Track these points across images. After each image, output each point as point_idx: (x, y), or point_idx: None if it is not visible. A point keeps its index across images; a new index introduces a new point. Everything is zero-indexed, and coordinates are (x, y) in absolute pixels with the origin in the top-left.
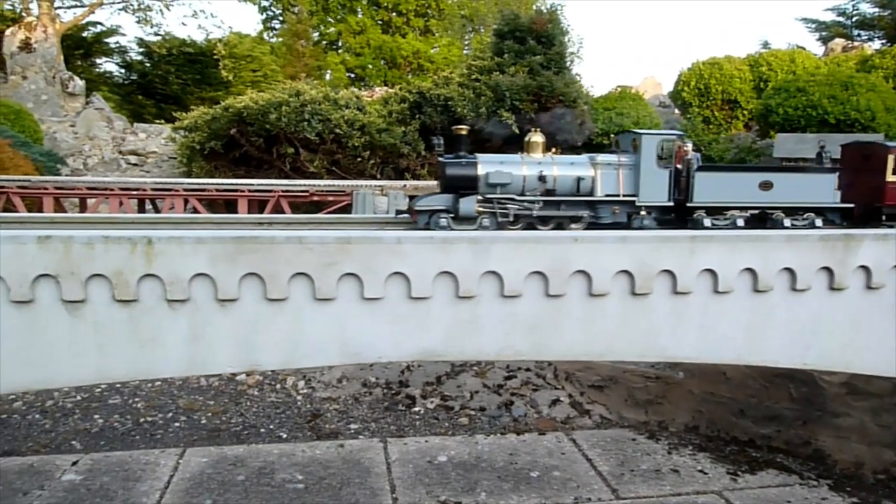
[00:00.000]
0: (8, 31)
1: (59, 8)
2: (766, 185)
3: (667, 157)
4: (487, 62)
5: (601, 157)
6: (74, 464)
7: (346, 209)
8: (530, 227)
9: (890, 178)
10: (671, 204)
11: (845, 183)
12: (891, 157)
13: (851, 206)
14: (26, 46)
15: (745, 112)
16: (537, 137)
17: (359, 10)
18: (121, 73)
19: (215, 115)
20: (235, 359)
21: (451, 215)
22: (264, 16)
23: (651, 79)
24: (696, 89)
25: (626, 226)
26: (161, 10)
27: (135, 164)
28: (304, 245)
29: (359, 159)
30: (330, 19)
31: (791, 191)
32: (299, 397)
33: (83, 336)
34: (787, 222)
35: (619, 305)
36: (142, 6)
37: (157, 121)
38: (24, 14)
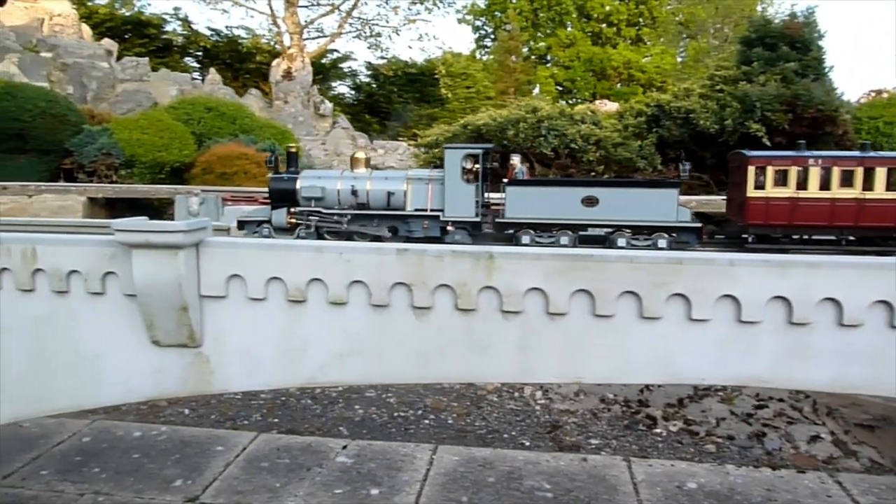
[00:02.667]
0: (274, 63)
1: (306, 39)
2: (589, 201)
3: (468, 170)
4: (733, 71)
5: (412, 172)
6: (344, 448)
7: None
8: (349, 238)
9: (751, 192)
10: (478, 219)
11: (727, 199)
12: (751, 169)
13: (699, 225)
14: (288, 75)
15: None
16: (360, 154)
17: (568, 23)
18: (351, 94)
19: (455, 133)
20: (560, 370)
21: (272, 226)
22: (477, 35)
23: None
24: None
25: (440, 240)
26: (390, 36)
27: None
28: (634, 264)
29: (592, 174)
30: (539, 34)
31: (620, 207)
32: (537, 407)
33: (427, 339)
34: (621, 241)
35: None
36: (373, 33)
37: (382, 137)
38: (276, 46)
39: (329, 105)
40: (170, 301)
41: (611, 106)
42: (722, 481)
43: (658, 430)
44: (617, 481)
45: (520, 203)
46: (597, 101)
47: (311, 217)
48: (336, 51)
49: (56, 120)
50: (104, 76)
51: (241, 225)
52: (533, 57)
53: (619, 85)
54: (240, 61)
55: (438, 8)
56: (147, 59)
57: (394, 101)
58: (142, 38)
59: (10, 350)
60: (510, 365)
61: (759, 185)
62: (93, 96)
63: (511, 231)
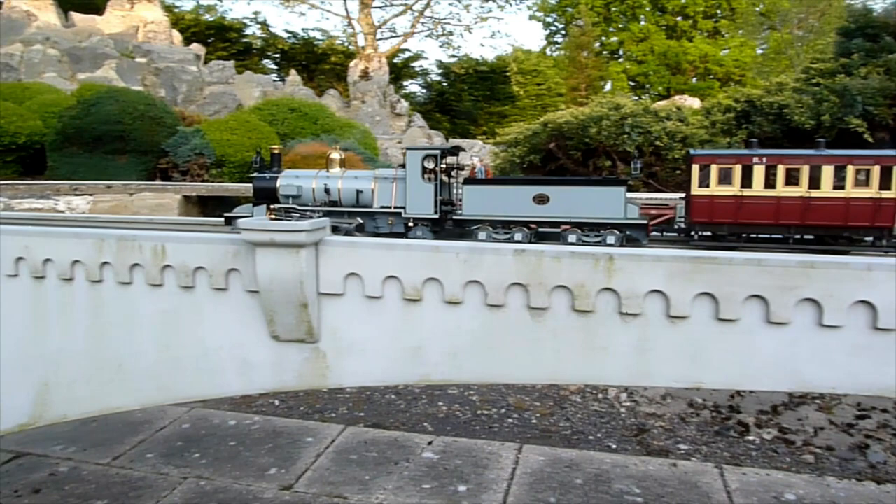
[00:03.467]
0: (351, 63)
1: (379, 39)
2: (541, 199)
3: (428, 169)
4: (830, 63)
5: (380, 172)
6: (430, 443)
7: (671, 222)
8: (337, 232)
9: (695, 190)
10: (437, 216)
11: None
12: (695, 168)
13: (645, 222)
14: (365, 75)
15: None
16: (335, 155)
17: (642, 17)
18: (422, 93)
19: (536, 131)
20: (679, 374)
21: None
22: (548, 31)
23: None
24: None
25: (403, 236)
26: (462, 34)
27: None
28: (762, 267)
29: (677, 171)
30: (612, 29)
31: (570, 205)
32: (622, 409)
33: (542, 340)
34: (571, 238)
35: None
36: (445, 32)
37: (451, 135)
38: (350, 47)
39: (405, 104)
40: (290, 298)
41: (691, 101)
42: (823, 494)
43: (751, 438)
44: (710, 489)
45: (476, 201)
46: (676, 97)
47: (288, 213)
48: (408, 50)
49: (154, 122)
50: (193, 79)
51: (228, 221)
52: (605, 52)
53: (694, 79)
54: (315, 63)
55: (511, 5)
56: (232, 62)
57: (464, 98)
58: (224, 41)
59: (140, 341)
60: (627, 368)
61: (704, 184)
62: (182, 99)
63: (469, 227)
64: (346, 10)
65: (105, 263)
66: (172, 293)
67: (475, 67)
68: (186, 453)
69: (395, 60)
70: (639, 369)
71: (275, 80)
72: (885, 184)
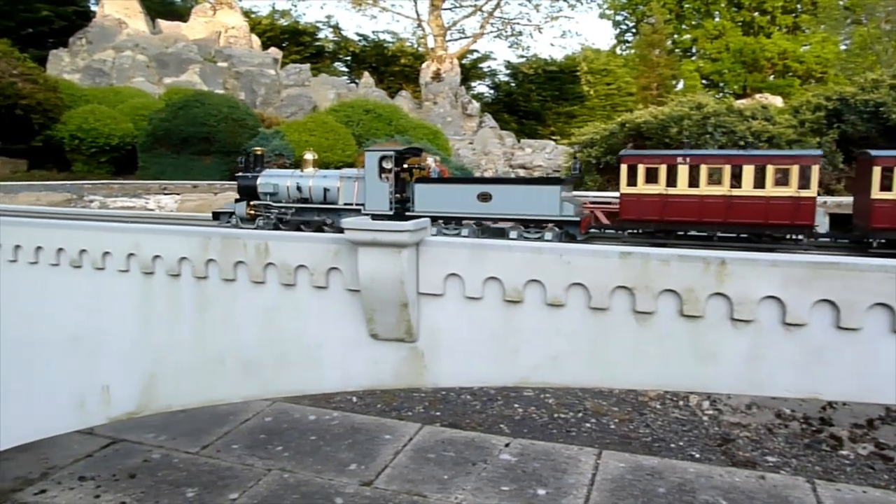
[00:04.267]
0: (423, 65)
1: (449, 41)
2: (484, 197)
3: (386, 168)
4: None
5: (344, 172)
6: (507, 445)
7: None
8: (297, 228)
9: (624, 189)
10: (391, 213)
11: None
12: (623, 167)
13: (578, 219)
14: (437, 76)
15: None
16: (308, 156)
17: (716, 13)
18: (490, 93)
19: (613, 131)
20: (795, 384)
21: (237, 217)
22: (618, 30)
23: None
24: None
25: None
26: (531, 34)
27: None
28: (889, 273)
29: None
30: (685, 26)
31: (510, 203)
32: (705, 418)
33: (647, 344)
34: (512, 234)
35: None
36: (514, 32)
37: (519, 135)
38: (420, 49)
39: (476, 105)
40: (391, 297)
41: (772, 99)
42: None
43: (844, 452)
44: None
45: (426, 199)
46: (757, 95)
47: (266, 209)
48: (476, 51)
49: (236, 124)
50: (271, 82)
51: (216, 216)
52: (677, 50)
53: (772, 77)
54: (385, 64)
55: (581, 4)
56: (308, 65)
57: (532, 99)
58: (297, 45)
59: (242, 336)
60: (737, 376)
61: (632, 183)
62: (261, 101)
63: None
64: (417, 12)
65: (210, 261)
66: (274, 290)
67: (544, 67)
68: (269, 446)
69: (464, 61)
70: (750, 377)
71: (349, 83)
72: (803, 183)
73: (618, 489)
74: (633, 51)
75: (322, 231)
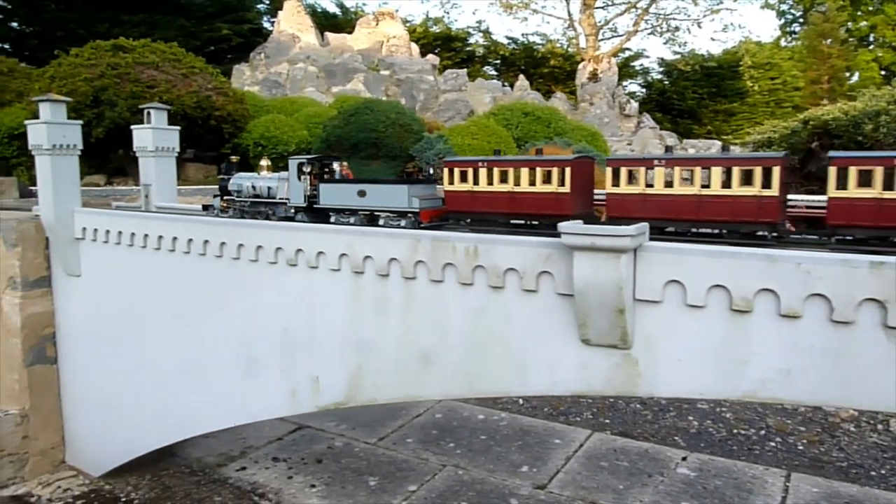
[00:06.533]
0: (580, 66)
1: (600, 40)
2: (361, 193)
3: (305, 172)
4: None
5: (282, 174)
6: (684, 459)
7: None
8: (252, 217)
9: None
10: (304, 206)
11: None
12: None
13: (417, 210)
14: (594, 77)
15: None
16: (263, 163)
17: None
18: (641, 92)
19: (794, 129)
20: None
21: (217, 209)
22: (782, 20)
23: None
24: None
25: (291, 219)
26: (689, 29)
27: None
28: None
29: None
30: (860, 13)
31: (378, 198)
32: None
33: None
34: (381, 221)
35: None
36: (671, 28)
37: (676, 135)
38: (570, 50)
39: (635, 105)
40: (607, 303)
41: None
42: None
43: None
44: None
45: (327, 195)
46: None
47: (233, 203)
48: (628, 49)
49: (403, 129)
50: (430, 88)
51: (205, 207)
52: (851, 39)
53: None
54: (534, 67)
55: None
56: (465, 70)
57: (687, 97)
58: (448, 51)
59: (447, 336)
60: None
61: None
62: (420, 106)
63: (325, 214)
64: (569, 12)
65: (419, 262)
66: (482, 292)
67: (701, 63)
68: (442, 442)
69: (615, 60)
70: None
71: (504, 86)
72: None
73: None
74: (800, 42)
75: (268, 219)
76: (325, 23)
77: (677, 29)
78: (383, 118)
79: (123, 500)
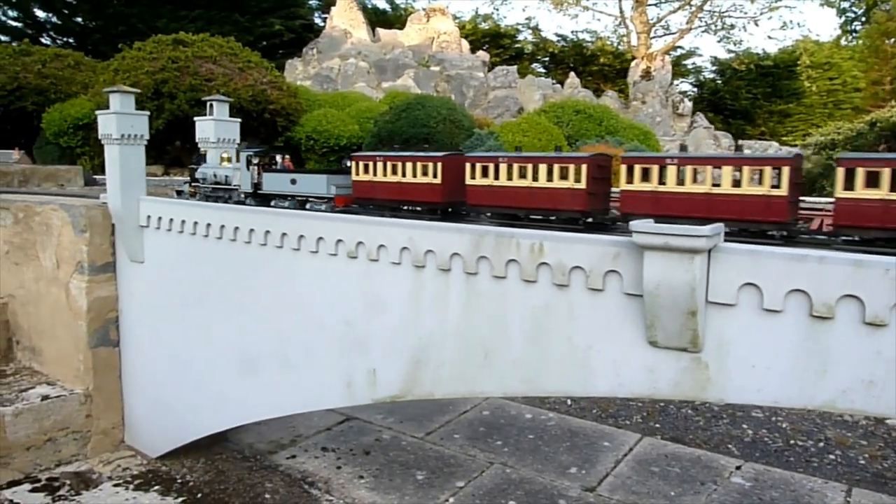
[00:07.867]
0: (633, 63)
1: (652, 38)
2: (293, 182)
3: (253, 163)
4: None
5: (236, 164)
6: (738, 468)
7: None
8: (215, 201)
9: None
10: (251, 191)
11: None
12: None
13: (332, 196)
14: (647, 75)
15: None
16: (225, 154)
17: None
18: (693, 91)
19: (860, 131)
20: None
21: (187, 194)
22: (843, 19)
23: None
24: None
25: (242, 203)
26: (745, 27)
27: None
28: None
29: None
30: None
31: (305, 185)
32: None
33: None
34: (308, 206)
35: None
36: (726, 26)
37: (726, 135)
38: (620, 47)
39: (688, 104)
40: (678, 304)
41: None
42: None
43: None
44: None
45: (269, 182)
46: None
47: (199, 189)
48: (680, 47)
49: (454, 125)
50: (479, 84)
51: (178, 193)
52: None
53: None
54: (583, 64)
55: None
56: (515, 67)
57: (741, 97)
58: (497, 48)
59: (508, 333)
60: None
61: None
62: (469, 103)
63: (267, 199)
64: (620, 9)
65: (482, 258)
66: (545, 290)
67: (756, 62)
68: (489, 439)
69: (668, 58)
70: None
71: (554, 83)
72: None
73: None
74: (861, 41)
75: (226, 203)
76: (376, 19)
77: (732, 27)
78: (435, 114)
79: (179, 481)
